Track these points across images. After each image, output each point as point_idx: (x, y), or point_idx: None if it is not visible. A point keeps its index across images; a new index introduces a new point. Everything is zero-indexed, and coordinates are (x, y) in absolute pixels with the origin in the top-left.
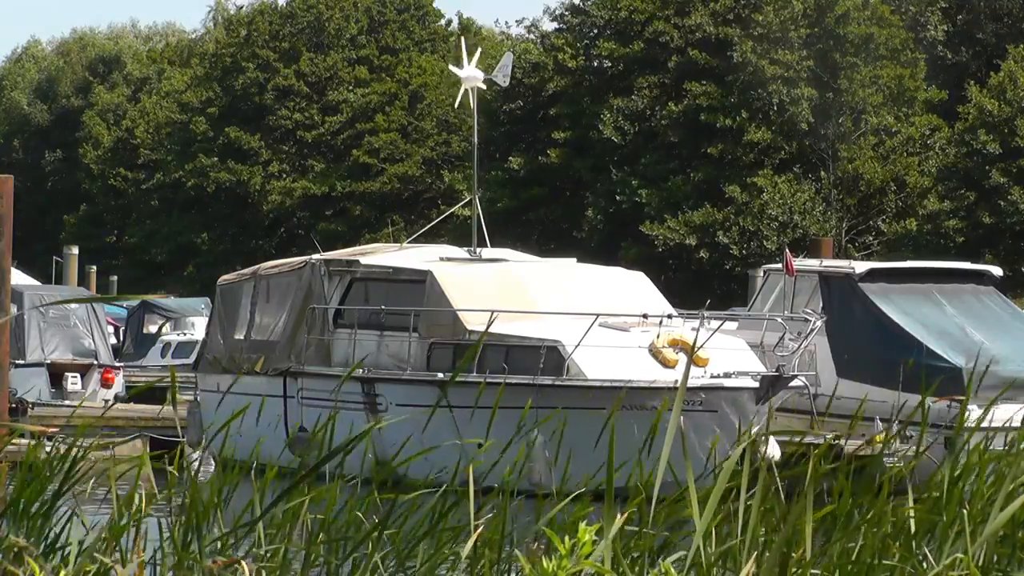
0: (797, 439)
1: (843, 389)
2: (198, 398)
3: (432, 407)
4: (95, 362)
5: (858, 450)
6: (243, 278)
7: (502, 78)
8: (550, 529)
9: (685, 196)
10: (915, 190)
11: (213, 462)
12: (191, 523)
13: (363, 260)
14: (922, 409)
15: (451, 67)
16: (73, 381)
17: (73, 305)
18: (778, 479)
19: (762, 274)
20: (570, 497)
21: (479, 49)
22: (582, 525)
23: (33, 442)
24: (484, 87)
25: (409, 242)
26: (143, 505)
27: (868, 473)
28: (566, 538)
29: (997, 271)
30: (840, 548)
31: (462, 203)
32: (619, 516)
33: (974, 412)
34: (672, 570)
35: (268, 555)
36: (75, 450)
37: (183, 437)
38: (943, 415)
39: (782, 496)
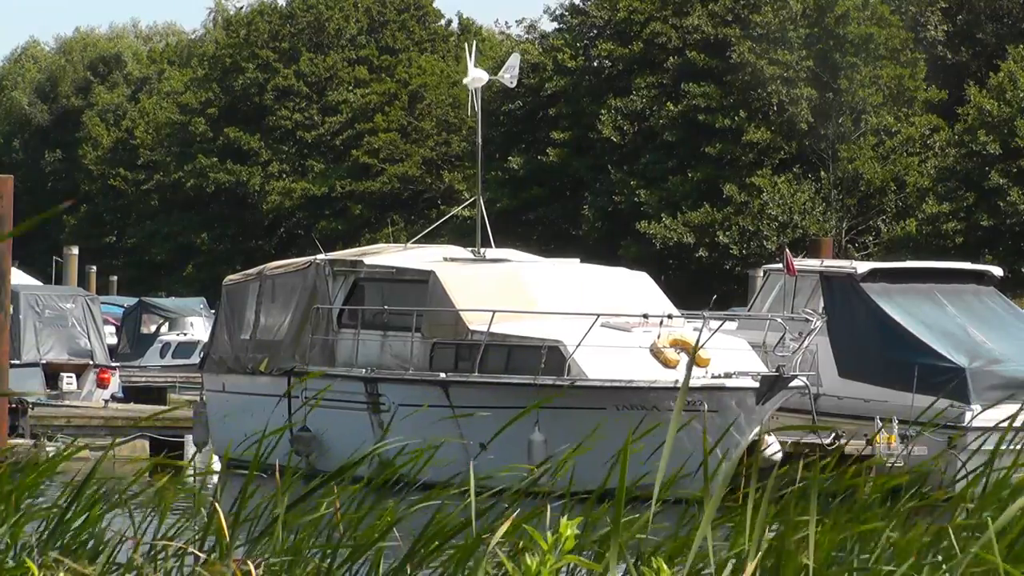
0: (797, 439)
1: (844, 389)
2: (204, 398)
3: (435, 407)
4: (91, 362)
5: (858, 449)
6: (249, 278)
7: (509, 79)
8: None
9: (684, 196)
10: (914, 191)
11: (218, 461)
12: (212, 528)
13: (367, 260)
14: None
15: (468, 77)
16: (68, 381)
17: (70, 305)
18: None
19: (762, 274)
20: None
21: (475, 48)
22: (563, 520)
23: (34, 443)
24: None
25: (413, 242)
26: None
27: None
28: (548, 534)
29: (998, 271)
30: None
31: (465, 204)
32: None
33: (978, 412)
34: (664, 567)
35: (284, 560)
36: (79, 451)
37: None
38: (946, 415)
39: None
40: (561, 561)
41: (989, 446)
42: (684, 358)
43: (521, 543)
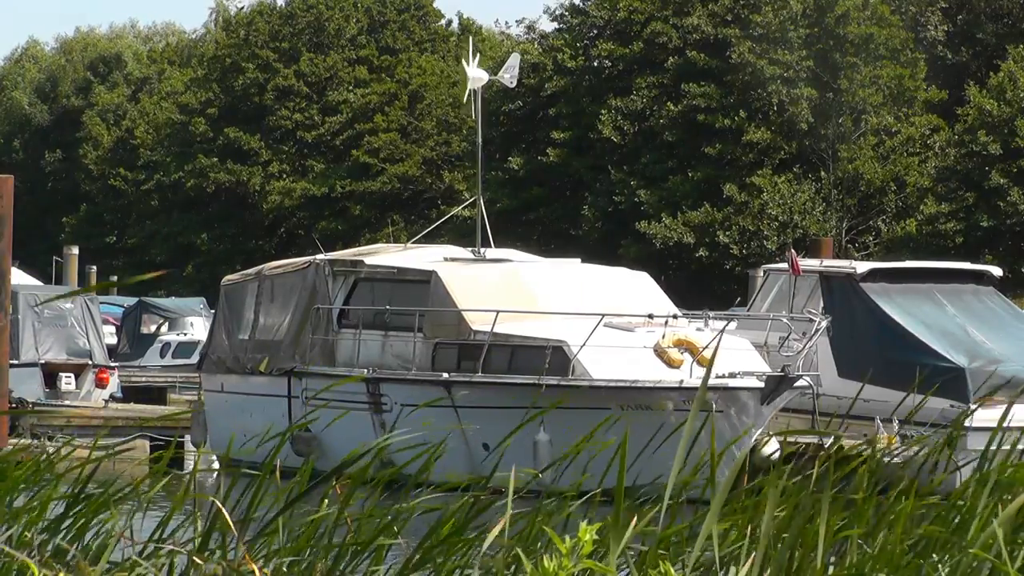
0: (796, 439)
1: (844, 389)
2: (202, 398)
3: (437, 406)
4: (89, 362)
5: (855, 447)
6: (247, 278)
7: (509, 79)
8: (549, 529)
9: (684, 196)
10: (914, 191)
11: (216, 461)
12: (211, 527)
13: (367, 260)
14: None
15: (465, 67)
16: (67, 381)
17: (68, 304)
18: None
19: (762, 274)
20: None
21: (477, 51)
22: (582, 524)
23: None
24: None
25: (413, 242)
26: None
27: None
28: (566, 537)
29: (997, 271)
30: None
31: (465, 204)
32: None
33: (978, 412)
34: (672, 570)
35: (287, 561)
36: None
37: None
38: (946, 415)
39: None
40: (579, 565)
41: (984, 445)
42: (688, 358)
43: (541, 545)
